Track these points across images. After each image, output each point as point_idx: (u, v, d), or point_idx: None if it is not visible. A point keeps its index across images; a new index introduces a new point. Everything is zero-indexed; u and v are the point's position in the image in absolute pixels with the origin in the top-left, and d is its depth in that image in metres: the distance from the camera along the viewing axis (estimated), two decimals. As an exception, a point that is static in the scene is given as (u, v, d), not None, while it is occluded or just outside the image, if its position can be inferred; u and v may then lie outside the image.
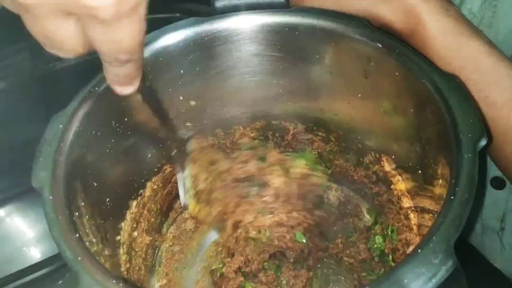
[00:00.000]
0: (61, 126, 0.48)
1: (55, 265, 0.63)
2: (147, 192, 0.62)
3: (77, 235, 0.41)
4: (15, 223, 0.75)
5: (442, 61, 0.51)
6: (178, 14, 0.79)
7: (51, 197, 0.43)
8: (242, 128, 0.66)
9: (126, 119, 0.54)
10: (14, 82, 0.83)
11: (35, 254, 0.72)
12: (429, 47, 0.51)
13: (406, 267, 0.35)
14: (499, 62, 0.52)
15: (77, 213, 0.45)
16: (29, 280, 0.62)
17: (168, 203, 0.68)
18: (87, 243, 0.43)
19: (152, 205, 0.64)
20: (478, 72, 0.50)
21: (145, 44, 0.53)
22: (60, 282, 0.63)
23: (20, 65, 0.85)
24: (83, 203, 0.47)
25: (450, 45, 0.52)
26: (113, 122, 0.53)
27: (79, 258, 0.39)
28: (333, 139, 0.65)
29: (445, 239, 0.36)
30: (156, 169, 0.63)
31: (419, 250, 0.36)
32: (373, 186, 0.63)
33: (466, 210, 0.38)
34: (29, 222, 0.75)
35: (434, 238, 0.36)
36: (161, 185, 0.64)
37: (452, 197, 0.38)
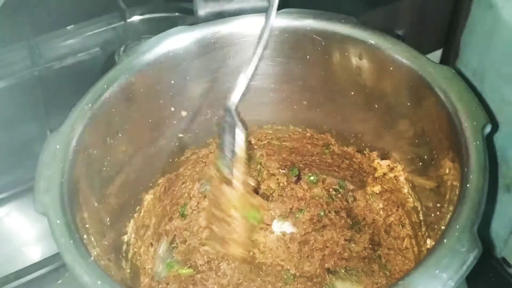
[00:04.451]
0: (58, 146, 0.46)
1: (55, 264, 0.63)
2: (144, 207, 0.61)
3: (92, 258, 0.39)
4: (15, 222, 0.74)
5: None
6: (177, 14, 0.79)
7: (58, 222, 0.41)
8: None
9: (120, 135, 0.53)
10: (14, 82, 0.84)
11: (35, 253, 0.70)
12: None
13: (434, 258, 0.35)
14: None
15: (85, 236, 0.43)
16: (29, 279, 0.62)
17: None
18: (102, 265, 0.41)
19: (148, 220, 0.63)
20: None
21: (137, 55, 0.53)
22: (60, 281, 0.62)
23: (20, 65, 0.86)
24: (87, 225, 0.46)
25: None
26: (108, 139, 0.52)
27: (99, 282, 0.37)
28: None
29: (468, 226, 0.37)
30: (151, 184, 0.61)
31: (445, 240, 0.36)
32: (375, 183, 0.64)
33: (483, 196, 0.38)
34: (29, 222, 0.74)
35: (457, 227, 0.36)
36: (157, 199, 0.63)
37: (468, 185, 0.39)
